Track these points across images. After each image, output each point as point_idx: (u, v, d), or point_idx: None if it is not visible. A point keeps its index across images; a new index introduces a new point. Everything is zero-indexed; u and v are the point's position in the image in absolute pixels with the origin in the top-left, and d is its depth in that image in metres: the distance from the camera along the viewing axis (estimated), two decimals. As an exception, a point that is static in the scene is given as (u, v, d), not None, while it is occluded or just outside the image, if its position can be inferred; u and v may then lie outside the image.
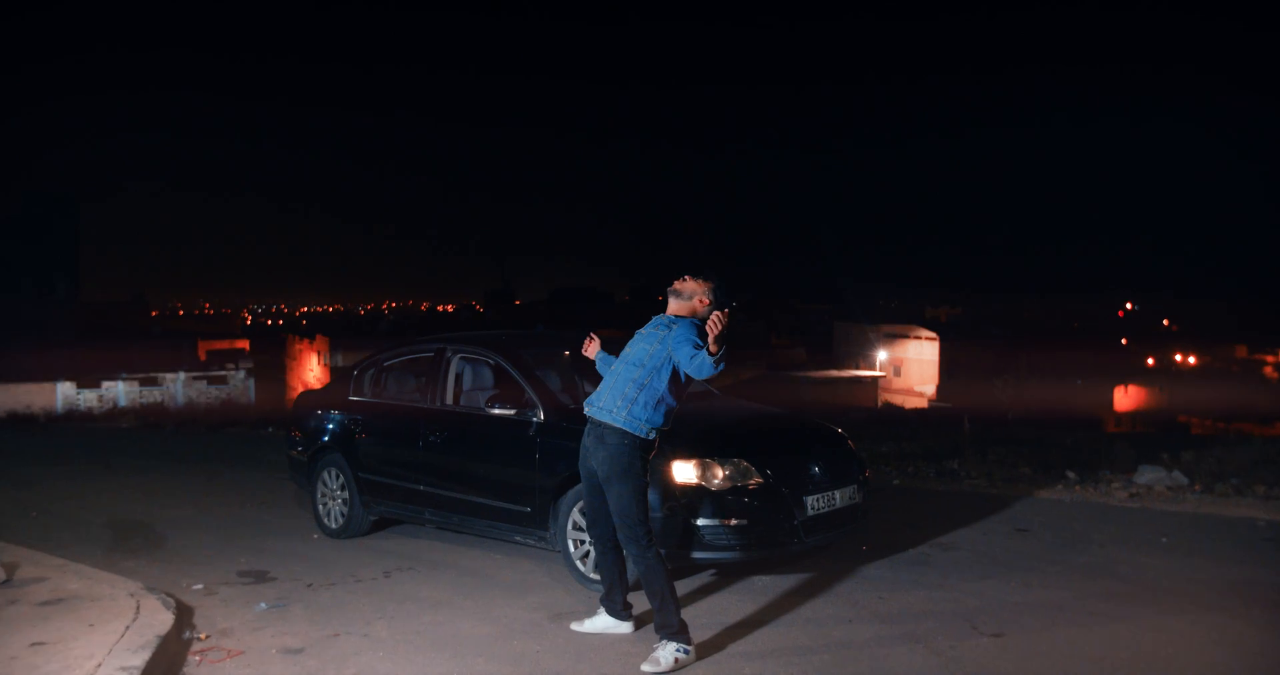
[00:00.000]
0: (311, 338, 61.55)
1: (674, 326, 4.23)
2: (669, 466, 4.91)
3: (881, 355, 59.03)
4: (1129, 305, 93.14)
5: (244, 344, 65.16)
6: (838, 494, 5.20)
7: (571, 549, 5.27)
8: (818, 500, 5.08)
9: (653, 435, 4.23)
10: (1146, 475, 8.55)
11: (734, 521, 4.85)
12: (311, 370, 58.21)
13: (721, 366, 3.95)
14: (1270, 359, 64.87)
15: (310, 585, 5.48)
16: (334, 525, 6.77)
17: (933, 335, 57.06)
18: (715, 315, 3.85)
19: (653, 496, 4.88)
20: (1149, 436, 15.17)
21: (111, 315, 67.28)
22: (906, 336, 58.64)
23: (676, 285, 4.38)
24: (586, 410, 4.34)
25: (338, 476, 6.76)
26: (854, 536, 5.47)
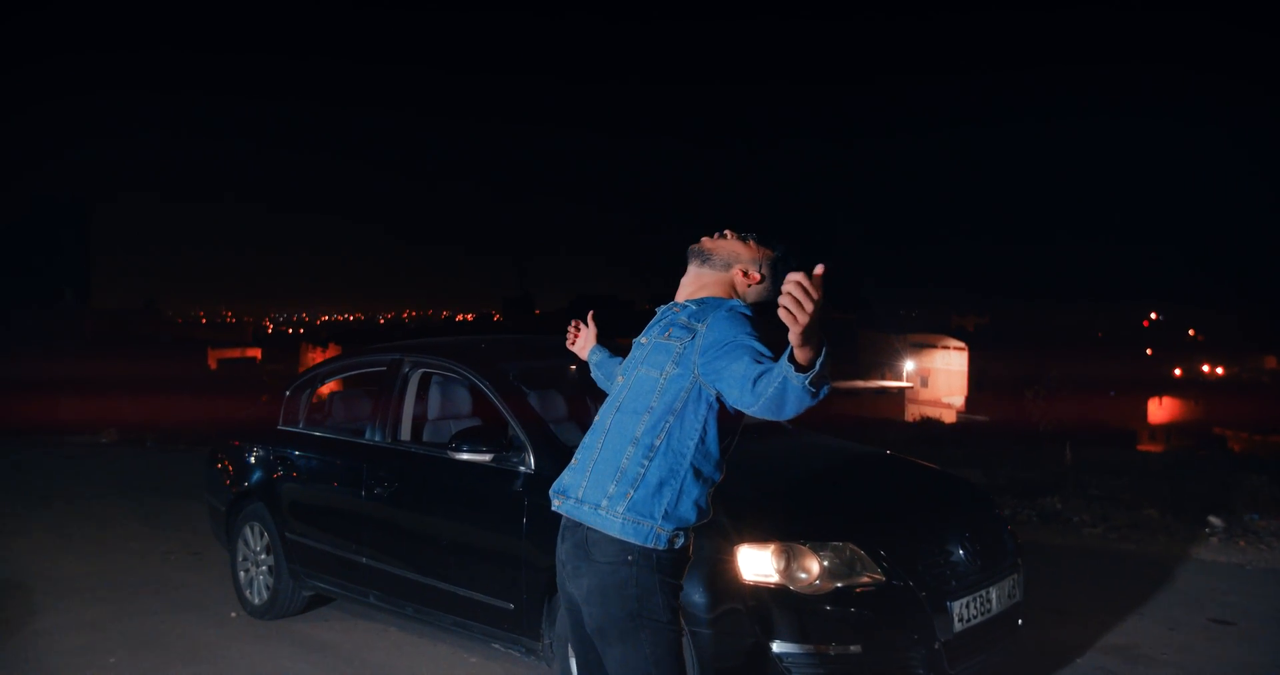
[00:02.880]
0: (325, 346, 60.29)
1: (700, 324, 2.25)
2: (733, 555, 3.04)
3: (909, 365, 57.40)
4: (1154, 315, 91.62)
5: (256, 352, 64.05)
6: (993, 592, 3.31)
7: (575, 672, 3.41)
8: (968, 606, 3.18)
9: (680, 541, 2.24)
10: (1325, 524, 6.63)
11: (837, 648, 2.97)
12: (323, 380, 56.95)
13: (825, 392, 1.93)
14: (1300, 369, 63.25)
15: (184, 718, 3.66)
16: (256, 601, 4.95)
17: (961, 345, 55.37)
18: (794, 282, 1.80)
19: (700, 599, 3.02)
20: (1251, 459, 13.16)
21: (122, 323, 66.09)
22: (934, 346, 57.07)
23: (705, 243, 2.42)
24: (556, 504, 2.36)
25: (262, 535, 4.95)
26: (1010, 655, 3.54)
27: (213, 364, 58.30)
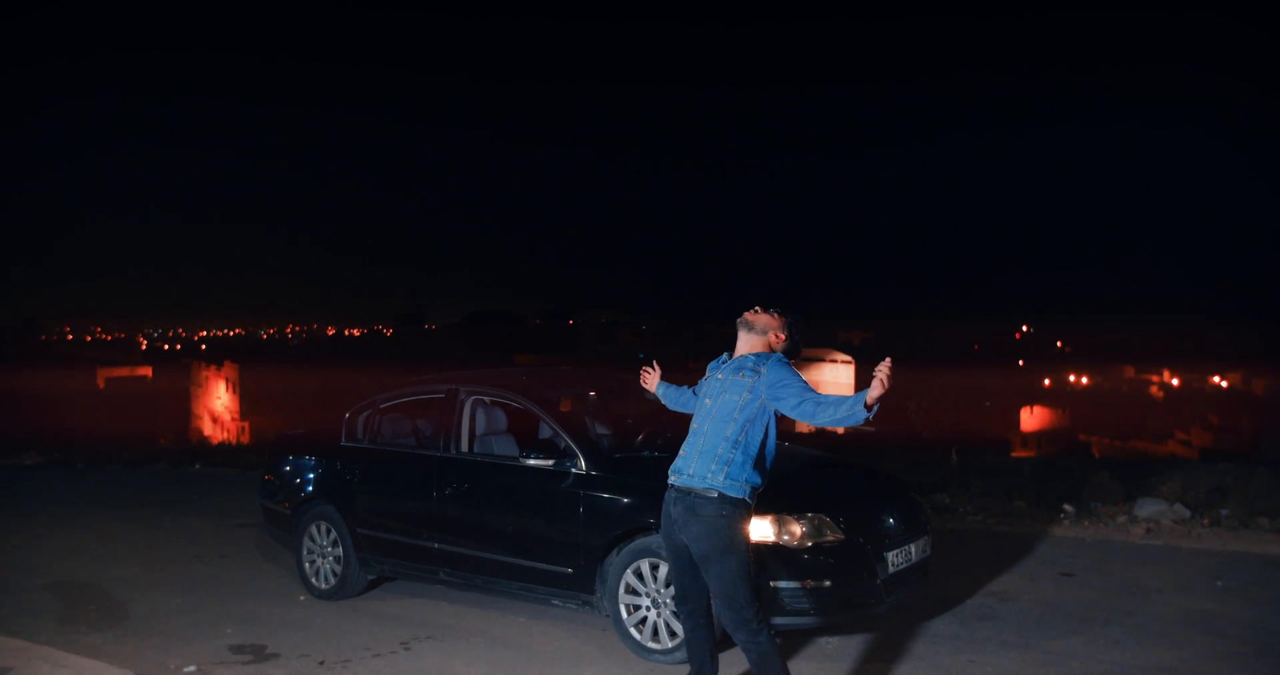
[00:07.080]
0: (219, 364, 58.83)
1: (762, 368, 3.71)
2: (743, 523, 4.47)
3: (798, 379, 59.48)
4: (1025, 327, 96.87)
5: (146, 371, 62.15)
6: (913, 547, 4.82)
7: (624, 615, 4.75)
8: (897, 555, 4.68)
9: (752, 498, 3.76)
10: (1148, 508, 8.44)
11: (813, 583, 4.42)
12: (219, 398, 55.65)
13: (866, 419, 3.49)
14: (1155, 379, 68.50)
15: (322, 663, 4.82)
16: (324, 586, 6.08)
17: (848, 359, 57.83)
18: (887, 364, 3.33)
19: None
20: (1106, 461, 15.36)
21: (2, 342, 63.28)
22: (822, 360, 59.26)
23: (748, 317, 3.87)
24: (672, 479, 3.81)
25: (329, 531, 6.09)
26: (922, 593, 5.08)
27: (100, 383, 56.46)
